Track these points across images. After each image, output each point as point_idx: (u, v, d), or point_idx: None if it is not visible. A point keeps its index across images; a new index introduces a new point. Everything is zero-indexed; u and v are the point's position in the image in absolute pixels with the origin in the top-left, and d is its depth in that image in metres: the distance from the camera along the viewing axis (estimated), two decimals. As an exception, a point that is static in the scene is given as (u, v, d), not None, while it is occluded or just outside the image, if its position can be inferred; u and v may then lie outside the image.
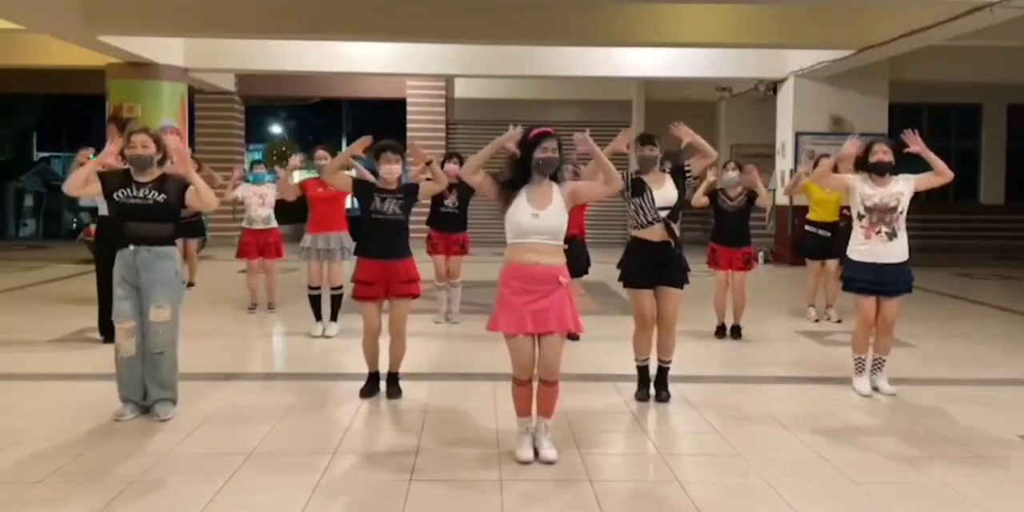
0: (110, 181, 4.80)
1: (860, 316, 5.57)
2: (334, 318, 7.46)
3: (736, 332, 7.54)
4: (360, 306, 5.32)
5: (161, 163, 4.92)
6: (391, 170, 5.28)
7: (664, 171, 5.29)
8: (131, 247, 4.76)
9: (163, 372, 4.86)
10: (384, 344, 5.39)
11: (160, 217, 4.81)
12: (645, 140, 5.29)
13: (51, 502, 3.65)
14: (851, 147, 5.61)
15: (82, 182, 4.76)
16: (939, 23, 9.87)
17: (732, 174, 7.42)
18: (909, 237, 5.44)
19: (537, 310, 4.06)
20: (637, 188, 5.21)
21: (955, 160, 18.71)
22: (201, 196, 4.84)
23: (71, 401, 5.20)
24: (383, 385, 5.46)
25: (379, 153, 5.33)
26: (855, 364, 5.71)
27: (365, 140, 5.38)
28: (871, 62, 12.59)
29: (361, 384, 5.44)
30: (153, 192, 4.78)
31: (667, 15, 11.52)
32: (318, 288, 7.50)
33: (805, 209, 8.65)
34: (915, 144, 5.37)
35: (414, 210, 5.40)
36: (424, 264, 6.00)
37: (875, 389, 5.63)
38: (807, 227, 8.40)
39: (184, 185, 4.86)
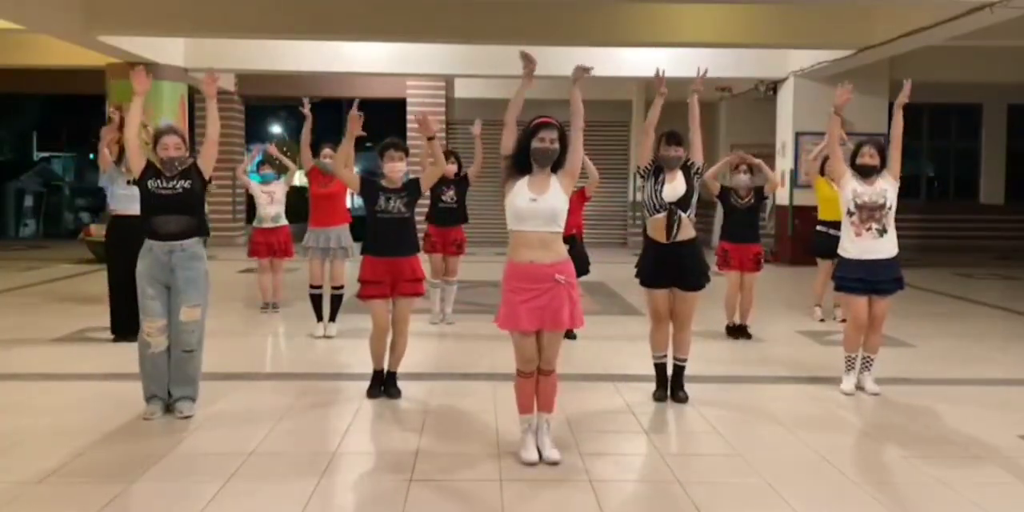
0: (149, 168, 4.92)
1: (852, 316, 5.60)
2: (333, 318, 7.42)
3: (744, 332, 7.56)
4: (369, 305, 5.30)
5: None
6: (394, 168, 5.27)
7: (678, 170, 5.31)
8: (166, 246, 4.81)
9: (189, 370, 4.94)
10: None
11: (186, 207, 4.90)
12: (671, 139, 5.25)
13: (51, 502, 3.66)
14: (845, 95, 5.81)
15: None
16: (939, 23, 9.86)
17: (743, 177, 7.45)
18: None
19: (533, 308, 4.07)
20: (651, 173, 5.25)
21: (955, 160, 18.70)
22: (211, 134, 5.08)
23: (72, 401, 5.21)
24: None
25: (383, 152, 5.33)
26: (845, 362, 5.71)
27: (356, 118, 5.26)
28: (871, 62, 12.57)
29: (364, 384, 5.43)
30: (181, 181, 4.90)
31: (667, 15, 11.52)
32: (320, 287, 7.50)
33: (807, 209, 8.65)
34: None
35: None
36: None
37: (860, 388, 5.64)
38: (818, 227, 8.43)
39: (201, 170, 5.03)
